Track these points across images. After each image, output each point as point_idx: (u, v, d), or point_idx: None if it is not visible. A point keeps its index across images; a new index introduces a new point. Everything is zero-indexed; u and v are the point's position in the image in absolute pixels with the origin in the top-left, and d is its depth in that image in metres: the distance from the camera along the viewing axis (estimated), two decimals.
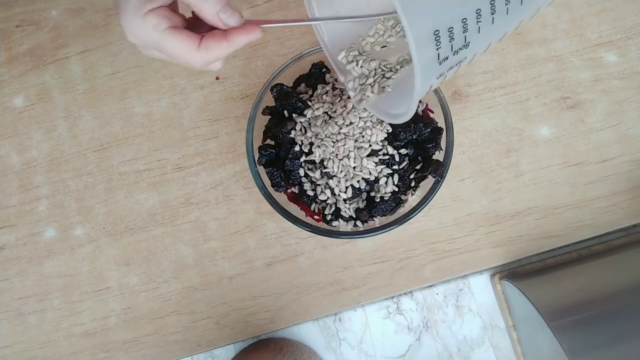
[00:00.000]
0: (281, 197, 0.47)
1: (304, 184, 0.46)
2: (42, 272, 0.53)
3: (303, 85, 0.49)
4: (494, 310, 0.53)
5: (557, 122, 0.54)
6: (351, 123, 0.44)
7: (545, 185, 0.52)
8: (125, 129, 0.55)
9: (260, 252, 0.52)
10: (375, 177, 0.45)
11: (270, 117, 0.48)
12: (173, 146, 0.55)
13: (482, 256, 0.52)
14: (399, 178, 0.45)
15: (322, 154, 0.45)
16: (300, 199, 0.47)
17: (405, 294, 0.53)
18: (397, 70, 0.40)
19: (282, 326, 0.51)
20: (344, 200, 0.45)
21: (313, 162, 0.46)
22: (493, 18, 0.31)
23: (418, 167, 0.46)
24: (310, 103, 0.46)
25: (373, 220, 0.46)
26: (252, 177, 0.46)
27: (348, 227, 0.46)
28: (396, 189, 0.45)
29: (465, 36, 0.30)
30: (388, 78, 0.40)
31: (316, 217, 0.47)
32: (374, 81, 0.40)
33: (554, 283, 0.49)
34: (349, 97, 0.46)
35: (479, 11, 0.30)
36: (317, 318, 0.53)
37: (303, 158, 0.45)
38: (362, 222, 0.46)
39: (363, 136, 0.44)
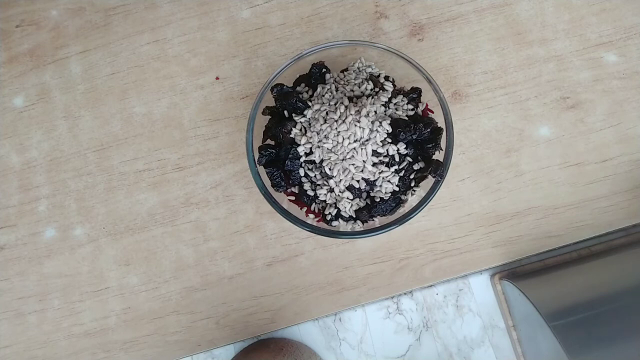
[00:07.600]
0: (281, 197, 0.47)
1: (304, 184, 0.46)
2: (42, 272, 0.53)
3: (303, 85, 0.49)
4: (494, 310, 0.53)
5: (557, 122, 0.54)
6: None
7: (545, 185, 0.52)
8: (125, 129, 0.55)
9: (260, 252, 0.52)
10: (375, 177, 0.45)
11: (270, 117, 0.48)
12: (173, 146, 0.55)
13: (482, 256, 0.52)
14: (399, 178, 0.45)
15: (322, 154, 0.45)
16: (300, 199, 0.47)
17: (405, 294, 0.53)
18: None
19: (282, 326, 0.51)
20: (344, 200, 0.45)
21: (313, 162, 0.46)
22: None
23: (418, 167, 0.46)
24: (310, 103, 0.46)
25: (373, 220, 0.46)
26: (252, 177, 0.46)
27: (348, 227, 0.46)
28: (396, 189, 0.45)
29: None
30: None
31: (312, 215, 0.47)
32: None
33: (554, 283, 0.49)
34: (349, 98, 0.46)
35: None
36: (317, 318, 0.53)
37: (303, 158, 0.45)
38: (362, 222, 0.46)
39: (363, 136, 0.44)
